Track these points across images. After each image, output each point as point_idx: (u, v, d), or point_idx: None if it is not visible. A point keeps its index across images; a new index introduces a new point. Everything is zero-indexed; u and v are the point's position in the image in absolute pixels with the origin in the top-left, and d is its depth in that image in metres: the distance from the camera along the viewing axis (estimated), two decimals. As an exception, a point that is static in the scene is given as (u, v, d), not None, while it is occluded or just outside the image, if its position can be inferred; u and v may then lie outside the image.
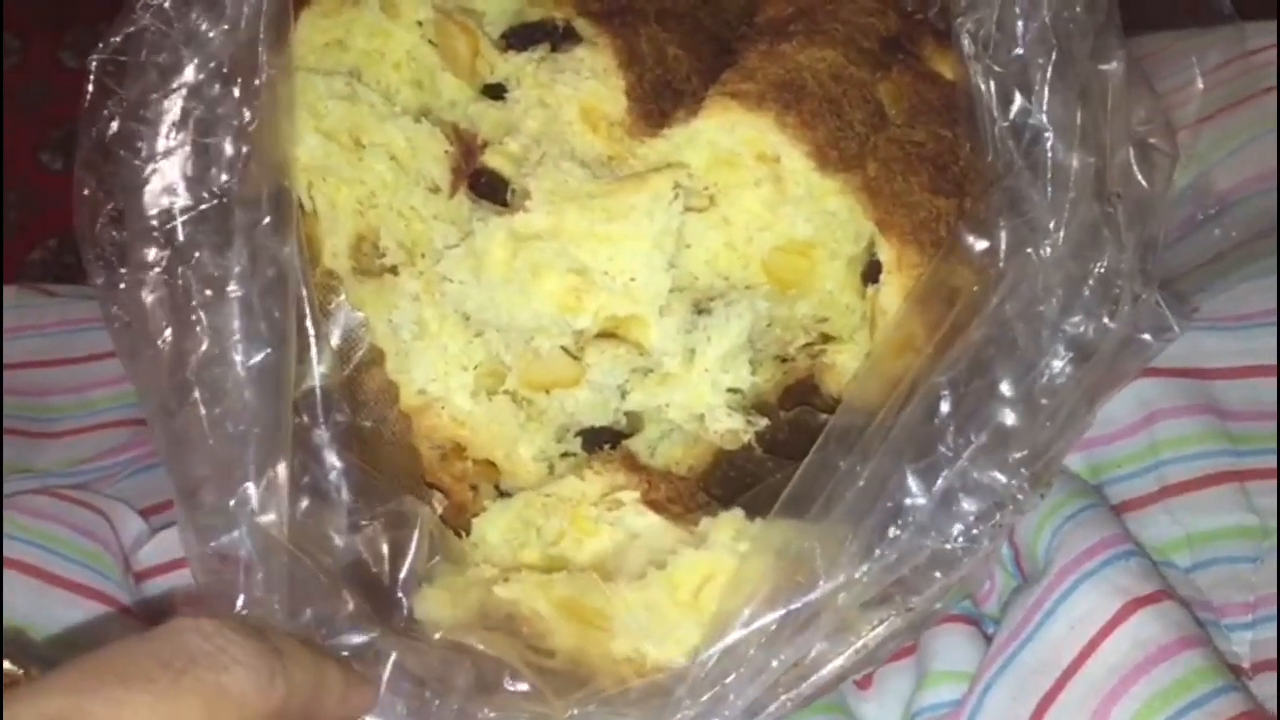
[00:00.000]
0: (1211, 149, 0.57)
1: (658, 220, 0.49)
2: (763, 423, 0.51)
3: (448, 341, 0.53)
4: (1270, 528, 0.57)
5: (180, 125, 0.50)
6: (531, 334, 0.51)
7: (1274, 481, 0.59)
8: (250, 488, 0.48)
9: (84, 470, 0.69)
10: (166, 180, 0.50)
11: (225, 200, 0.50)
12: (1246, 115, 0.59)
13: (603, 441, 0.54)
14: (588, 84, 0.51)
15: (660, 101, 0.51)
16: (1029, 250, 0.45)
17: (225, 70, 0.50)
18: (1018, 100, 0.47)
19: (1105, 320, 0.46)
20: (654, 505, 0.48)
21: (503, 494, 0.54)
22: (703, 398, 0.50)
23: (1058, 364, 0.45)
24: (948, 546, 0.45)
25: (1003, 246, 0.46)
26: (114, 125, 0.50)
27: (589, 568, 0.48)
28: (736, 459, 0.53)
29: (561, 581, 0.48)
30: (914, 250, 0.49)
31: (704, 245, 0.52)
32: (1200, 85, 0.54)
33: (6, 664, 0.43)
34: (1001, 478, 0.45)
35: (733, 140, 0.51)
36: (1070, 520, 0.55)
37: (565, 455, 0.54)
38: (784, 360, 0.54)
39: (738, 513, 0.47)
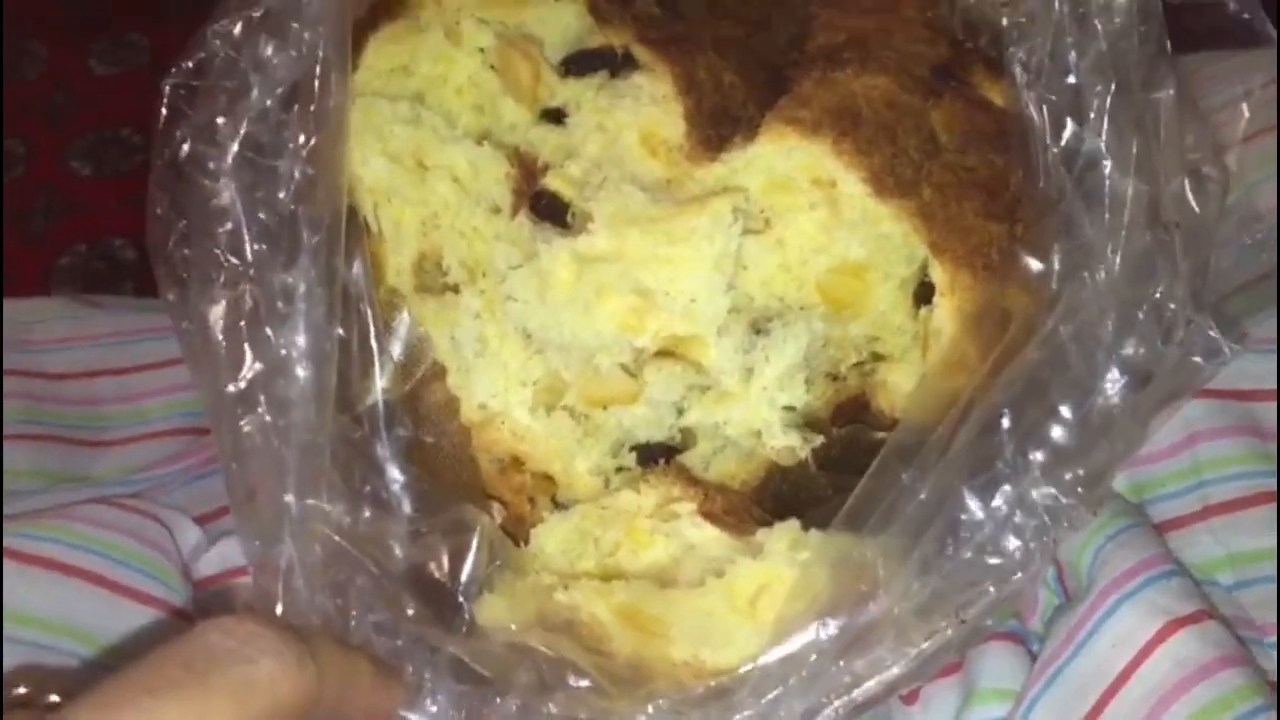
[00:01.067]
0: (1253, 170, 0.58)
1: (717, 243, 0.50)
2: (818, 440, 0.52)
3: (508, 358, 0.54)
4: None
5: (247, 148, 0.51)
6: (592, 352, 0.53)
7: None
8: (300, 498, 0.50)
9: (138, 480, 0.69)
10: (234, 200, 0.51)
11: (291, 220, 0.51)
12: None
13: (657, 456, 0.55)
14: (647, 109, 0.53)
15: (718, 127, 0.52)
16: (1084, 274, 0.46)
17: (292, 95, 0.51)
18: (1070, 127, 0.48)
19: (1159, 345, 0.47)
20: (710, 517, 0.49)
21: (559, 506, 0.55)
22: (760, 415, 0.52)
23: (1112, 387, 0.46)
24: (1003, 562, 0.46)
25: (1057, 270, 0.47)
26: (185, 147, 0.51)
27: (645, 577, 0.49)
28: (789, 475, 0.54)
29: (620, 588, 0.49)
30: (967, 273, 0.50)
31: (760, 267, 0.53)
32: (1245, 108, 0.55)
33: (20, 688, 0.44)
34: (1058, 496, 0.46)
35: (789, 165, 0.52)
36: (1112, 540, 0.56)
37: (620, 470, 0.55)
38: (836, 378, 0.55)
39: (794, 523, 0.49)
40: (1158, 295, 0.47)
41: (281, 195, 0.51)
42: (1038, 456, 0.46)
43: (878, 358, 0.55)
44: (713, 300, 0.51)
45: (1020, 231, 0.50)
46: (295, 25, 0.50)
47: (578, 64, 0.55)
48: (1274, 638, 0.57)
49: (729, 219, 0.51)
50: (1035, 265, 0.47)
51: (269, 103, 0.51)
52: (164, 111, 0.52)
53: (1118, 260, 0.46)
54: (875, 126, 0.51)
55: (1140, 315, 0.47)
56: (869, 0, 0.57)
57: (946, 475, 0.45)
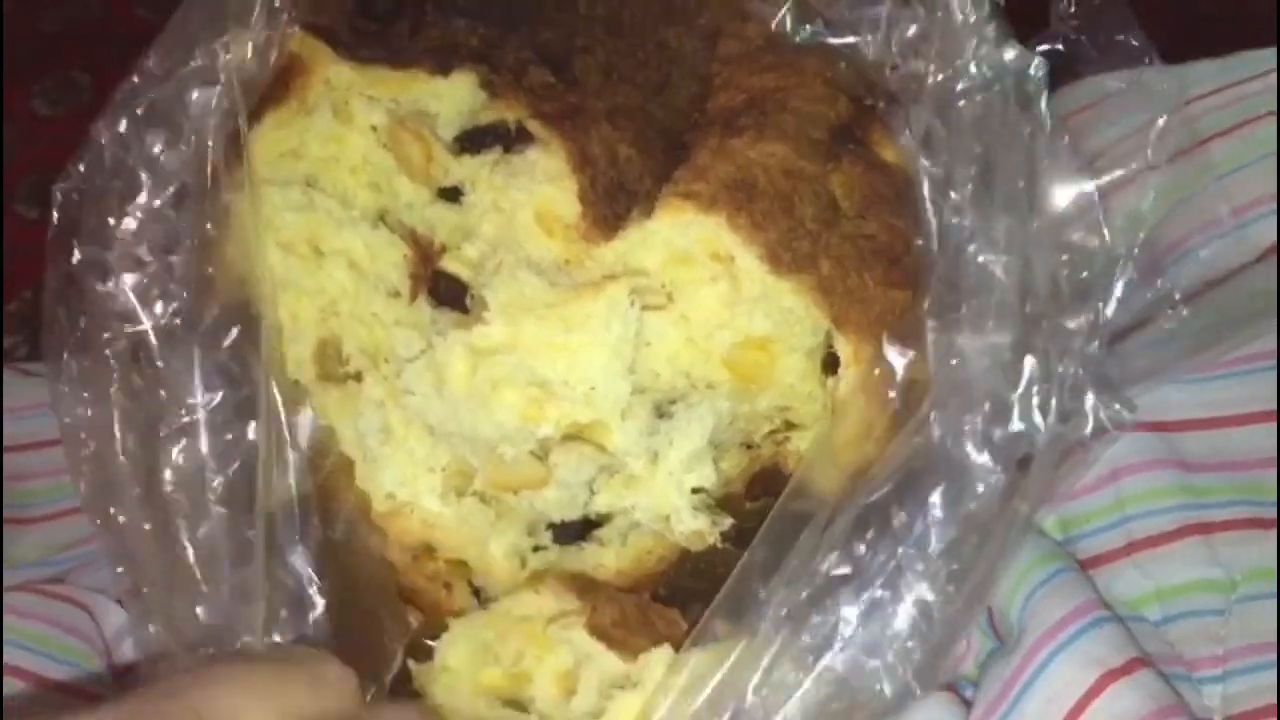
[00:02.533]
0: (1157, 203, 0.57)
1: (614, 329, 0.50)
2: (727, 522, 0.51)
3: (414, 445, 0.53)
4: (1236, 580, 0.58)
5: (138, 247, 0.50)
6: (495, 442, 0.52)
7: (1239, 533, 0.59)
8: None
9: (61, 560, 0.69)
10: (129, 303, 0.50)
11: (188, 318, 0.50)
12: (1188, 168, 0.59)
13: (575, 534, 0.54)
14: (541, 188, 0.51)
15: (614, 204, 0.51)
16: (953, 361, 0.45)
17: (183, 191, 0.50)
18: (952, 197, 0.47)
19: (1038, 428, 0.46)
20: (597, 631, 0.49)
21: (476, 591, 0.54)
22: (668, 499, 0.51)
23: (989, 476, 0.46)
24: (877, 665, 0.45)
25: (931, 352, 0.46)
26: (76, 254, 0.50)
27: (552, 682, 0.49)
28: (707, 549, 0.53)
29: None
30: (870, 344, 0.49)
31: (664, 343, 0.52)
32: (1152, 135, 0.55)
33: None
34: (929, 595, 0.45)
35: (687, 240, 0.51)
36: (1043, 586, 0.56)
37: (537, 549, 0.55)
38: (749, 447, 0.55)
39: (667, 650, 0.49)
40: (1032, 375, 0.46)
41: (176, 291, 0.50)
42: (910, 551, 0.45)
43: (790, 426, 0.54)
44: (613, 387, 0.50)
45: (924, 299, 0.49)
46: (182, 120, 0.48)
47: (471, 141, 0.53)
48: (1201, 673, 0.57)
49: (626, 303, 0.50)
50: (904, 357, 0.46)
51: (158, 201, 0.50)
52: (55, 217, 0.51)
53: (987, 341, 0.45)
54: (772, 198, 0.50)
55: (1013, 398, 0.46)
56: (770, 57, 0.56)
57: (820, 576, 0.44)
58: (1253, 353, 0.63)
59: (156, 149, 0.50)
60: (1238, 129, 0.69)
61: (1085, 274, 0.49)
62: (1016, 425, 0.47)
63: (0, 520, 0.70)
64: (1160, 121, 0.54)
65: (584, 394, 0.50)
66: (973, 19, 0.48)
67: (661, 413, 0.52)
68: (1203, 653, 0.57)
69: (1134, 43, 0.52)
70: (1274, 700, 0.55)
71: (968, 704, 0.57)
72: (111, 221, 0.50)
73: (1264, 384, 0.62)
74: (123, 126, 0.50)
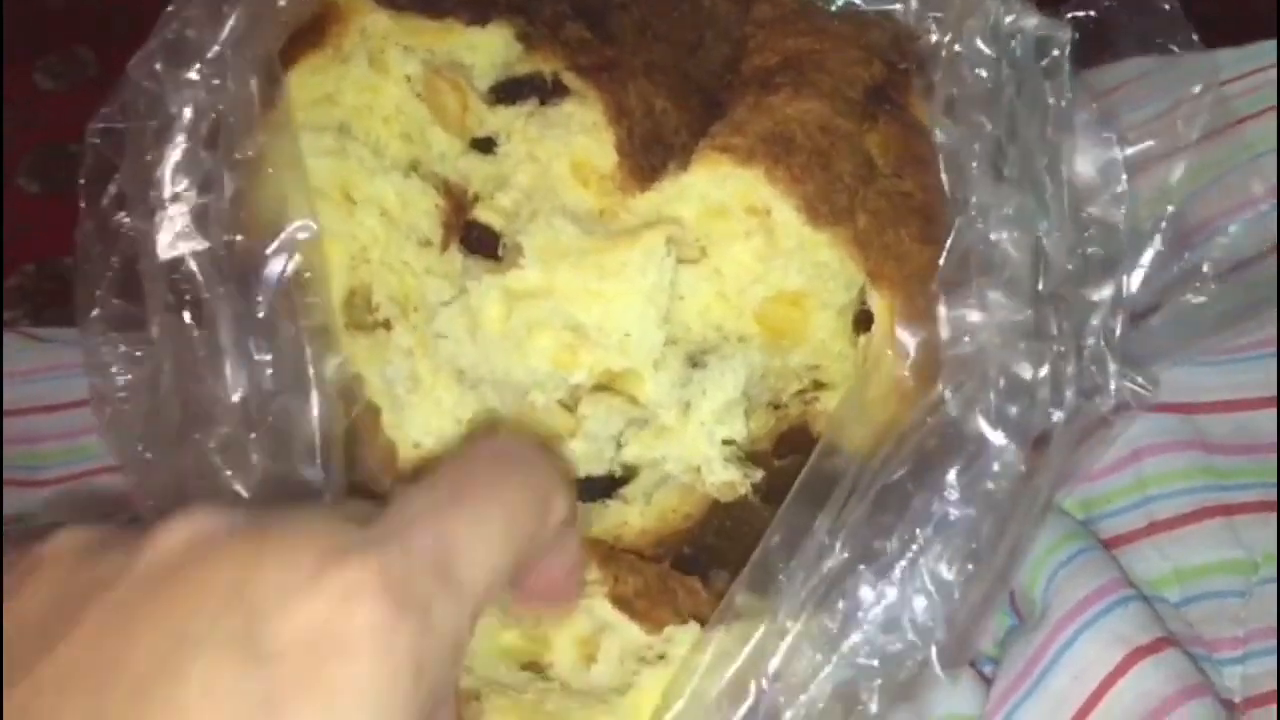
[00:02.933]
0: (1187, 181, 0.57)
1: (650, 276, 0.49)
2: (758, 474, 0.51)
3: (442, 395, 0.53)
4: (1257, 562, 0.58)
5: (176, 185, 0.50)
6: (527, 389, 0.51)
7: (1261, 516, 0.59)
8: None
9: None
10: (165, 239, 0.50)
11: (223, 256, 0.50)
12: (1222, 147, 0.60)
13: (599, 490, 0.54)
14: (577, 139, 0.51)
15: (650, 155, 0.51)
16: (965, 338, 0.45)
17: (217, 130, 0.50)
18: (972, 168, 0.47)
19: (1056, 406, 0.46)
20: (620, 601, 0.48)
21: None
22: (699, 450, 0.51)
23: (1005, 455, 0.45)
24: (899, 648, 0.45)
25: (944, 336, 0.46)
26: (111, 189, 0.50)
27: (572, 647, 0.48)
28: (732, 508, 0.53)
29: (531, 708, 0.48)
30: (904, 299, 0.49)
31: (697, 297, 0.52)
32: (1179, 119, 0.55)
33: None
34: (948, 575, 0.45)
35: (723, 193, 0.51)
36: (1066, 566, 0.56)
37: None
38: (778, 407, 0.54)
39: (694, 628, 0.48)
40: (1051, 353, 0.46)
41: (213, 232, 0.50)
42: (928, 533, 0.45)
43: (819, 385, 0.54)
44: (647, 335, 0.50)
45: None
46: (217, 52, 0.48)
47: (507, 92, 0.53)
48: (1221, 654, 0.57)
49: (662, 252, 0.50)
50: (915, 338, 0.46)
51: (193, 141, 0.50)
52: (88, 157, 0.51)
53: (1002, 315, 0.45)
54: (809, 152, 0.50)
55: (1029, 375, 0.46)
56: (804, 21, 0.56)
57: (842, 555, 0.44)
58: (1268, 337, 0.63)
59: (195, 86, 0.50)
60: (1268, 111, 0.69)
61: (1109, 248, 0.49)
62: (1033, 403, 0.46)
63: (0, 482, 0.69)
64: (1193, 100, 0.55)
65: (618, 341, 0.50)
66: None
67: (695, 363, 0.52)
68: (1223, 634, 0.57)
69: (1166, 8, 0.51)
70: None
71: (987, 680, 0.58)
72: (148, 160, 0.50)
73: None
74: (158, 64, 0.50)
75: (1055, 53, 0.48)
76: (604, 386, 0.52)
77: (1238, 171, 0.62)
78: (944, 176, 0.46)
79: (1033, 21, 0.48)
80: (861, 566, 0.44)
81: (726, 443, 0.51)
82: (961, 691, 0.57)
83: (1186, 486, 0.60)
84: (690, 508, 0.54)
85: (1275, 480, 0.61)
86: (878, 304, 0.50)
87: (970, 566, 0.44)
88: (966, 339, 0.46)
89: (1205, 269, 0.57)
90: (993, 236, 0.46)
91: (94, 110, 0.51)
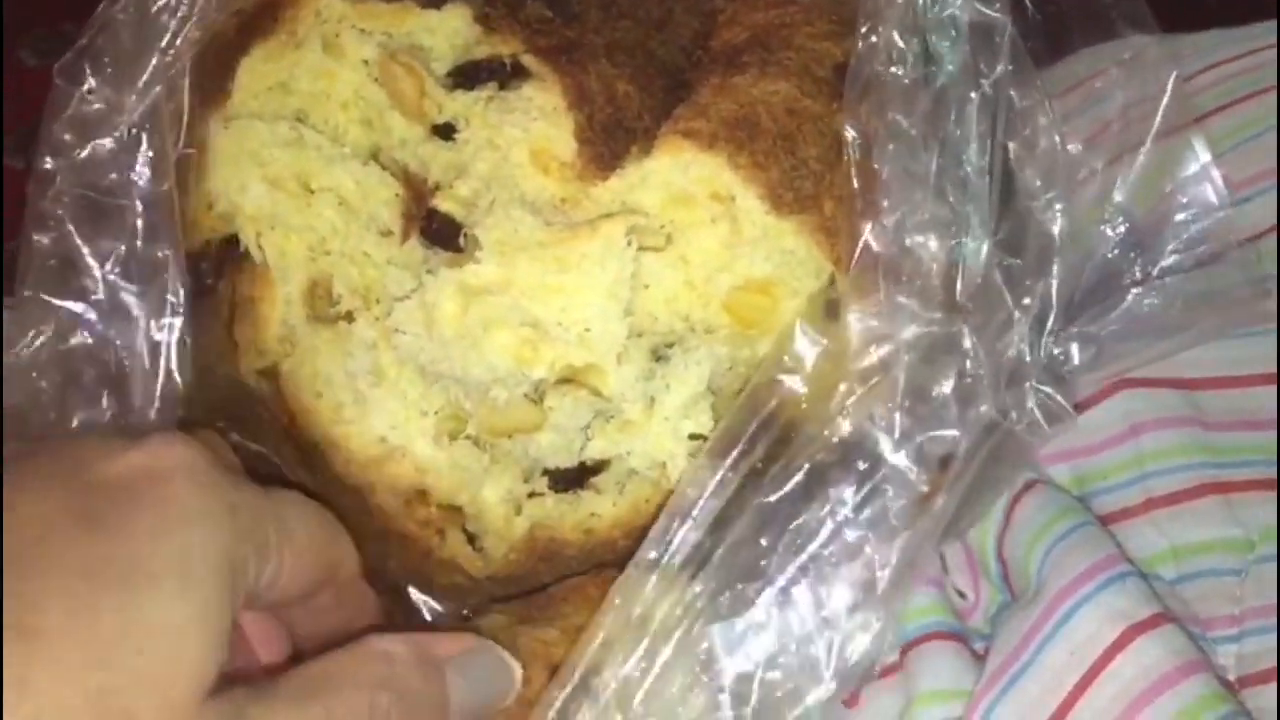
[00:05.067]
0: (1144, 181, 0.55)
1: (610, 269, 0.48)
2: (724, 470, 0.50)
3: (406, 388, 0.52)
4: (1254, 540, 0.57)
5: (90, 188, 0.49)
6: (489, 385, 0.50)
7: (1258, 494, 0.58)
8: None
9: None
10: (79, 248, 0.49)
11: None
12: (1183, 143, 0.58)
13: (570, 481, 0.53)
14: (537, 125, 0.50)
15: (611, 142, 0.50)
16: (871, 348, 0.43)
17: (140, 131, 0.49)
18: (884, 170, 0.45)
19: (962, 427, 0.44)
20: None
21: (471, 538, 0.53)
22: (664, 446, 0.50)
23: (906, 477, 0.44)
24: (777, 676, 0.44)
25: (852, 345, 0.44)
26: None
27: None
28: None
29: None
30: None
31: (662, 285, 0.51)
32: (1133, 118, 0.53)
33: None
34: (838, 599, 0.44)
35: (686, 180, 0.49)
36: (1062, 540, 0.55)
37: (533, 495, 0.53)
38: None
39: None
40: (956, 371, 0.44)
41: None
42: (820, 553, 0.44)
43: (790, 372, 0.52)
44: (608, 329, 0.49)
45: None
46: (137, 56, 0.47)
47: (465, 76, 0.52)
48: (1216, 632, 0.56)
49: (622, 243, 0.48)
50: (813, 349, 0.45)
51: (111, 142, 0.49)
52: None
53: (909, 329, 0.43)
54: (774, 137, 0.48)
55: (935, 391, 0.44)
56: (774, -8, 0.54)
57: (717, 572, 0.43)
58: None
59: (109, 88, 0.48)
60: (1236, 104, 0.67)
61: (1039, 256, 0.47)
62: (940, 420, 0.45)
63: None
64: (1151, 97, 0.53)
65: (579, 336, 0.49)
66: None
67: (659, 356, 0.51)
68: (1218, 612, 0.56)
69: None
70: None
71: (979, 656, 0.57)
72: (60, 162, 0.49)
73: (1276, 344, 0.61)
74: (86, 66, 0.49)
75: (996, 41, 0.45)
76: (569, 379, 0.51)
77: (1201, 171, 0.60)
78: (853, 179, 0.44)
79: (963, 9, 0.45)
80: (740, 586, 0.43)
81: (693, 437, 0.50)
82: (948, 665, 0.56)
83: (1184, 463, 0.59)
84: (662, 498, 0.53)
85: (1272, 458, 0.60)
86: (844, 288, 0.48)
87: (859, 595, 0.43)
88: (873, 349, 0.44)
89: (1153, 272, 0.55)
90: (907, 242, 0.44)
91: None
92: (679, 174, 0.49)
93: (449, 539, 0.53)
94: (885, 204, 0.43)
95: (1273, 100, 0.67)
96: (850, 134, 0.45)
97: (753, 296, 0.50)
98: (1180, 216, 0.55)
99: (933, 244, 0.44)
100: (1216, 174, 0.55)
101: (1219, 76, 0.69)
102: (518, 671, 0.46)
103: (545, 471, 0.53)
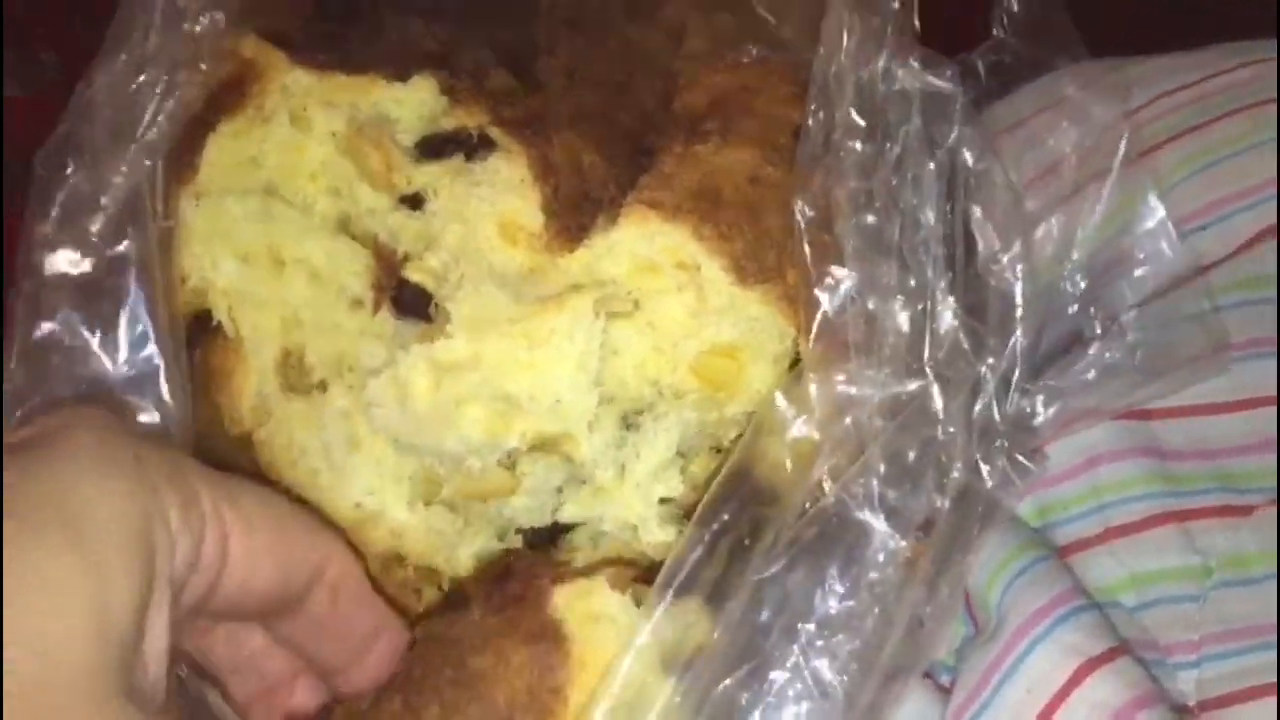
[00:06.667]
0: (1096, 228, 0.56)
1: (578, 342, 0.49)
2: (694, 532, 0.51)
3: (381, 455, 0.53)
4: (1211, 567, 0.59)
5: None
6: (462, 456, 0.51)
7: (1215, 520, 0.60)
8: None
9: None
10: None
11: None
12: (1133, 179, 0.59)
13: (545, 538, 0.54)
14: (504, 198, 0.51)
15: (578, 213, 0.51)
16: (845, 420, 0.44)
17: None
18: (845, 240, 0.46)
19: (934, 494, 0.45)
20: None
21: (449, 595, 0.54)
22: (635, 510, 0.51)
23: (889, 543, 0.45)
24: None
25: (817, 414, 0.45)
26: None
27: None
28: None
29: None
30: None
31: (631, 351, 0.52)
32: (1073, 159, 0.54)
33: None
34: (830, 675, 0.44)
35: (652, 249, 0.50)
36: (1021, 576, 0.57)
37: (508, 553, 0.54)
38: (719, 450, 0.54)
39: None
40: (930, 434, 0.45)
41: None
42: (809, 629, 0.44)
43: (758, 430, 0.54)
44: (578, 400, 0.50)
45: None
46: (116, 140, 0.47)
47: (432, 148, 0.53)
48: (1177, 658, 0.57)
49: (590, 316, 0.49)
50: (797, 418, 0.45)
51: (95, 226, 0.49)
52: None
53: (878, 396, 0.44)
54: (738, 207, 0.49)
55: (910, 457, 0.45)
56: (733, 55, 0.55)
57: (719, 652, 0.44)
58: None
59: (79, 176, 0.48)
60: (1185, 135, 0.68)
61: (1003, 315, 0.48)
62: (915, 487, 0.45)
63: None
64: (1101, 134, 0.53)
65: (550, 407, 0.50)
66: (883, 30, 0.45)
67: (629, 424, 0.51)
68: (1178, 638, 0.58)
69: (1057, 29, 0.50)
70: (1248, 685, 0.56)
71: (944, 690, 0.58)
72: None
73: (1239, 373, 0.62)
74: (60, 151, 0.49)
75: (949, 110, 0.46)
76: (541, 446, 0.52)
77: (1148, 208, 0.61)
78: (806, 250, 0.45)
79: (917, 82, 0.46)
80: (738, 665, 0.44)
81: (663, 501, 0.51)
82: (920, 702, 0.57)
83: (1142, 493, 0.60)
84: (634, 555, 0.54)
85: (1231, 485, 0.61)
86: (808, 353, 0.49)
87: (854, 665, 0.44)
88: (846, 420, 0.44)
89: (1114, 327, 0.56)
90: (870, 308, 0.45)
91: (57, 114, 0.50)
92: (645, 244, 0.50)
93: (425, 599, 0.54)
94: (846, 273, 0.44)
95: (1222, 129, 0.68)
96: (800, 208, 0.45)
97: (719, 360, 0.51)
98: (1138, 272, 0.56)
99: (897, 310, 0.45)
100: (1170, 228, 0.56)
101: (1168, 107, 0.70)
102: None
103: (519, 530, 0.55)
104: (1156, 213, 0.55)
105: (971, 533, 0.47)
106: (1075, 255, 0.51)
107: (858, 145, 0.45)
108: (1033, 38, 0.50)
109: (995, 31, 0.51)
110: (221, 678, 0.48)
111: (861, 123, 0.45)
